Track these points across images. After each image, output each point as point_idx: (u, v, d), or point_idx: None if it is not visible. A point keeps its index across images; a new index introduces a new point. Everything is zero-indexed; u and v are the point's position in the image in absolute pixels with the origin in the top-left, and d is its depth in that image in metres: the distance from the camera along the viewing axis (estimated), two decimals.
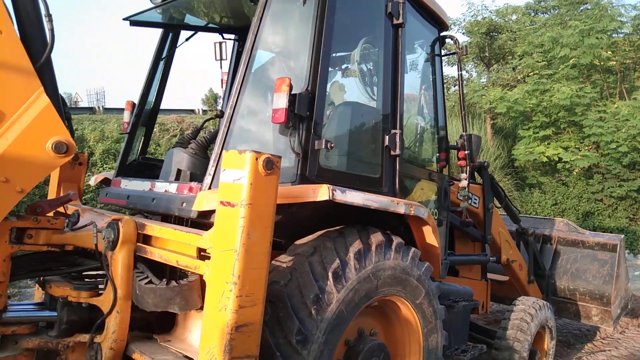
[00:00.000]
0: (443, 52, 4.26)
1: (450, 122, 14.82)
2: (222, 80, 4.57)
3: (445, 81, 18.66)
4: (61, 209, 2.95)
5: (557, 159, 14.65)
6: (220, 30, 4.38)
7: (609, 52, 14.67)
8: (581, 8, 17.63)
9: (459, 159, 4.06)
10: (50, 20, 2.37)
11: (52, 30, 2.38)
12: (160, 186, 3.13)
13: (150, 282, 2.51)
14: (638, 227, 13.99)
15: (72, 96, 27.36)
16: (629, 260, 8.26)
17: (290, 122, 2.67)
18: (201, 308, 2.33)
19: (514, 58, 17.81)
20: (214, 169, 2.70)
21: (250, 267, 2.04)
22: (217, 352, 2.00)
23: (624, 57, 14.85)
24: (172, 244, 2.53)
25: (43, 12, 2.38)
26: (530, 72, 16.15)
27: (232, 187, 2.09)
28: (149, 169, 3.96)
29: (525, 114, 15.64)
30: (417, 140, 4.13)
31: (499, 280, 5.60)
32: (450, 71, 21.58)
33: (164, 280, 2.50)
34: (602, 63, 14.85)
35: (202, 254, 2.32)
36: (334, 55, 3.83)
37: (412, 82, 4.09)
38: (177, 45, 4.13)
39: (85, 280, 2.87)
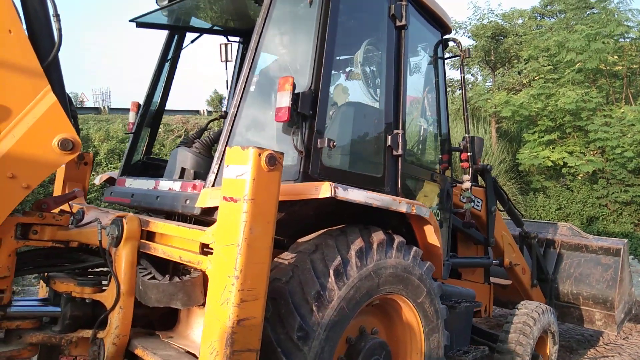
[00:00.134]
0: (446, 55, 4.28)
1: (455, 125, 14.79)
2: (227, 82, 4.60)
3: (450, 84, 18.72)
4: (66, 207, 2.98)
5: (562, 164, 14.59)
6: (225, 32, 4.42)
7: (615, 57, 14.61)
8: (587, 12, 17.60)
9: (461, 161, 4.07)
10: (58, 20, 2.43)
11: (59, 29, 2.43)
12: (164, 184, 3.17)
13: (153, 277, 2.53)
14: None
15: (78, 96, 27.62)
16: (633, 266, 8.19)
17: (293, 121, 2.69)
18: (203, 304, 2.35)
19: (519, 62, 17.82)
20: (217, 166, 2.73)
21: (252, 262, 2.06)
22: (219, 345, 2.02)
23: (631, 62, 14.78)
24: (175, 240, 2.55)
25: (51, 12, 2.43)
26: (535, 76, 16.10)
27: (235, 183, 2.11)
28: (154, 168, 4.00)
29: (531, 118, 15.60)
30: (420, 142, 4.15)
31: (502, 284, 5.59)
32: (455, 74, 21.67)
33: (166, 276, 2.51)
34: (608, 68, 14.80)
35: (205, 250, 2.34)
36: (337, 58, 3.86)
37: (415, 85, 4.12)
38: (183, 47, 4.18)
39: (89, 276, 2.91)
